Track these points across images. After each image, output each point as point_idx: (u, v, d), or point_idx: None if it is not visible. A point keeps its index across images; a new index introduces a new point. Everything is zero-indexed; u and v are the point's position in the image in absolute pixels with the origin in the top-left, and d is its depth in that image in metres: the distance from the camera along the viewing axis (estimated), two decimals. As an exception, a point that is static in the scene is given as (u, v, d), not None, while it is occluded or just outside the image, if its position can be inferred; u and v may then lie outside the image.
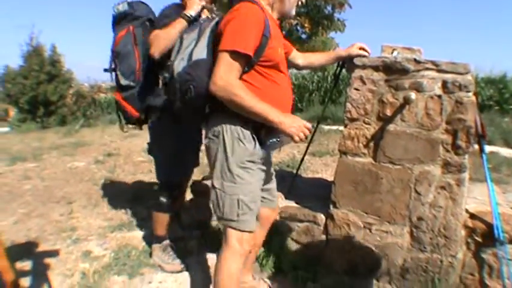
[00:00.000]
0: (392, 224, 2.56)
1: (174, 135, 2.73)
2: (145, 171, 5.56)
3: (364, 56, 2.47)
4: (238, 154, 1.89)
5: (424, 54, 2.53)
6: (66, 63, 13.72)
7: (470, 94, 2.37)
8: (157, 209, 2.91)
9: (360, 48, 2.48)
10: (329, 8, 10.56)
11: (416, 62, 2.40)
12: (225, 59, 1.76)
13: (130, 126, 2.83)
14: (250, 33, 1.78)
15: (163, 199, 2.86)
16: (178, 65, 1.87)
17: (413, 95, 2.35)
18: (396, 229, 2.56)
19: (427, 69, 2.40)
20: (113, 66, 2.65)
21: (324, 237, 2.79)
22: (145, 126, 2.84)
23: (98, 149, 7.41)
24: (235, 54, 1.76)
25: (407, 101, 2.37)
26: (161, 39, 2.42)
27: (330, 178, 2.85)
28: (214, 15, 2.11)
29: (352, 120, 2.56)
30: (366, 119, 2.52)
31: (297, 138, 1.79)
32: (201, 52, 1.86)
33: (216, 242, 2.68)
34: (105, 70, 2.76)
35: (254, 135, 1.92)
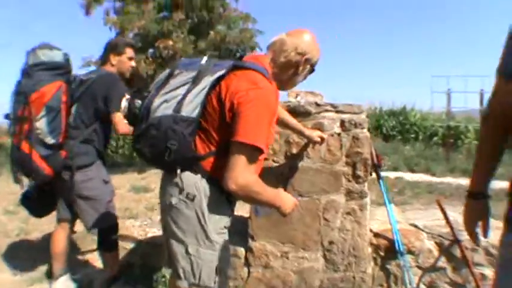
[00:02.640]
0: (307, 250, 2.83)
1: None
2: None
3: (317, 142, 2.65)
4: (217, 221, 1.81)
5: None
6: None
7: (365, 130, 2.76)
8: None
9: (319, 136, 2.62)
10: (240, 51, 11.12)
11: (317, 105, 2.74)
12: (246, 154, 1.62)
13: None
14: (268, 126, 1.71)
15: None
16: (159, 106, 1.71)
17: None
18: (311, 254, 2.83)
19: (327, 110, 2.75)
20: (24, 114, 2.67)
21: (246, 269, 2.98)
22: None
23: (6, 198, 6.97)
24: (256, 150, 1.63)
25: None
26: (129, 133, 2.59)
27: (247, 214, 3.05)
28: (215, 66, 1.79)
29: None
30: (275, 158, 2.80)
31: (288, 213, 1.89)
32: (193, 108, 1.70)
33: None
34: (6, 117, 2.78)
35: (229, 200, 1.87)
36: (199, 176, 1.76)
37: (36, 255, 3.94)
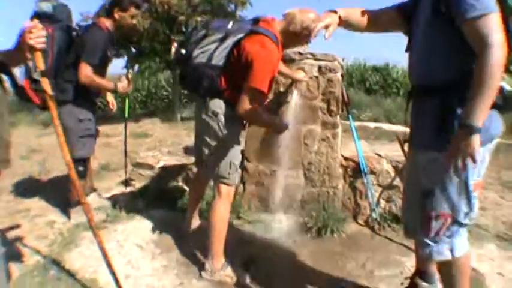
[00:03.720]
0: (291, 169, 3.58)
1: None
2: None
3: (301, 80, 3.38)
4: (230, 129, 2.59)
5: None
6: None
7: (338, 75, 3.44)
8: None
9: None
10: (232, 6, 11.53)
11: (300, 53, 3.41)
12: (252, 94, 2.38)
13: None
14: (270, 76, 2.43)
15: None
16: (197, 55, 2.49)
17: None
18: (294, 173, 3.58)
19: (308, 58, 3.44)
20: None
21: (241, 185, 3.73)
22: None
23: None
24: (260, 92, 2.39)
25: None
26: (93, 83, 3.34)
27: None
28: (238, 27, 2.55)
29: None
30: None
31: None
32: (219, 59, 2.47)
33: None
34: None
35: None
36: (221, 100, 2.55)
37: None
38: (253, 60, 2.36)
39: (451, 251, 1.89)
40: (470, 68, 1.60)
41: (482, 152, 1.72)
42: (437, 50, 1.79)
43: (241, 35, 2.48)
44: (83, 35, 3.40)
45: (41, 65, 2.02)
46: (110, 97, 4.12)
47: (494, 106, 1.64)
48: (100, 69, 3.44)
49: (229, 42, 2.48)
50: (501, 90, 1.65)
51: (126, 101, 4.84)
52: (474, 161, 1.62)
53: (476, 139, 1.58)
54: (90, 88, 3.48)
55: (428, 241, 1.91)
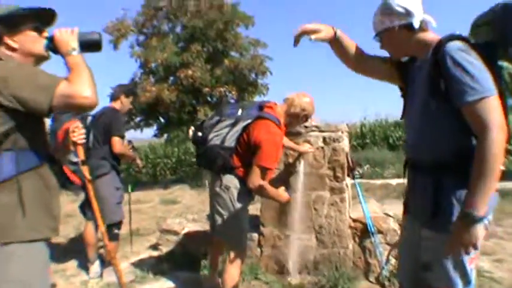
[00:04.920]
0: (303, 233, 3.88)
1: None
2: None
3: (307, 152, 3.78)
4: (241, 202, 2.97)
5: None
6: None
7: (341, 144, 3.80)
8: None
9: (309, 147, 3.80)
10: (253, 75, 12.29)
11: (306, 127, 3.81)
12: (260, 170, 2.81)
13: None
14: (276, 154, 2.88)
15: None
16: (212, 138, 2.94)
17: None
18: (306, 236, 3.87)
19: (313, 130, 3.83)
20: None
21: (259, 249, 4.04)
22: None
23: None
24: (266, 169, 2.83)
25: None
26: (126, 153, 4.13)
27: (258, 212, 4.11)
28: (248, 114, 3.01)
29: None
30: (277, 166, 3.86)
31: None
32: (231, 141, 2.91)
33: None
34: None
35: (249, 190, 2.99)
36: (233, 176, 2.95)
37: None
38: (261, 142, 2.80)
39: None
40: (468, 149, 1.62)
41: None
42: (431, 127, 1.79)
43: (249, 120, 2.94)
44: (100, 117, 4.05)
45: (82, 156, 2.53)
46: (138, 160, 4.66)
47: None
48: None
49: (239, 127, 2.94)
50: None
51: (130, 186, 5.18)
52: (476, 248, 1.63)
53: (478, 229, 1.59)
54: (121, 160, 4.13)
55: None
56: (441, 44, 1.70)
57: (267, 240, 4.01)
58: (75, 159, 3.55)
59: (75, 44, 1.74)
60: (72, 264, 4.71)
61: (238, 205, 2.97)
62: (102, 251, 4.42)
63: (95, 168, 3.81)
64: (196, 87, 11.32)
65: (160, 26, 12.66)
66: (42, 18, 1.83)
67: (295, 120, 3.16)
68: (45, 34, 1.81)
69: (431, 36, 1.84)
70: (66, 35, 1.77)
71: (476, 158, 1.56)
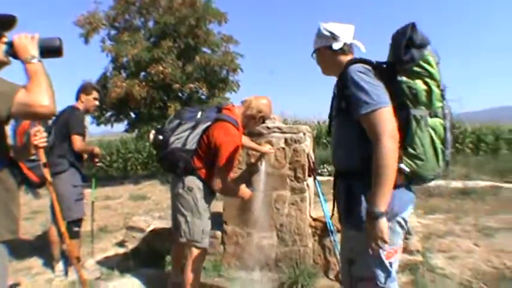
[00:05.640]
0: (265, 231, 4.00)
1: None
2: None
3: (268, 153, 3.89)
4: (204, 202, 3.12)
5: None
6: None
7: (303, 145, 3.92)
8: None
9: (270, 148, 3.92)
10: (224, 72, 12.33)
11: (268, 128, 3.93)
12: (223, 171, 3.01)
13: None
14: (234, 155, 3.03)
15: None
16: (174, 141, 3.03)
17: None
18: (267, 234, 4.00)
19: (275, 131, 3.95)
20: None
21: (222, 246, 4.16)
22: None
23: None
24: (227, 169, 3.03)
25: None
26: (86, 149, 4.15)
27: (221, 210, 4.23)
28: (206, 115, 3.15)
29: (233, 167, 4.00)
30: (240, 166, 3.98)
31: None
32: (192, 144, 3.04)
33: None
34: None
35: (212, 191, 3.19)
36: (195, 177, 3.07)
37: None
38: (220, 145, 2.96)
39: None
40: (370, 155, 1.82)
41: (389, 226, 1.87)
42: (341, 140, 2.13)
43: (209, 122, 3.06)
44: (60, 116, 4.09)
45: (43, 159, 2.59)
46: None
47: (400, 186, 1.92)
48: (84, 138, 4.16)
49: (199, 129, 3.07)
50: (400, 171, 1.88)
51: (93, 182, 5.07)
52: (385, 242, 1.82)
53: (382, 223, 1.79)
54: (80, 157, 4.19)
55: None
56: (345, 66, 2.00)
57: (229, 238, 4.12)
58: (32, 157, 3.57)
59: (34, 52, 1.78)
60: (38, 262, 4.74)
61: (201, 205, 3.10)
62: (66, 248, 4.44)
63: (53, 165, 3.80)
64: (167, 83, 11.31)
65: (132, 21, 12.59)
66: (2, 23, 1.84)
67: (252, 122, 3.30)
68: (5, 39, 1.83)
69: (348, 59, 2.11)
70: (26, 41, 1.79)
71: (373, 163, 1.79)
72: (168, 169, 3.19)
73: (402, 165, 1.90)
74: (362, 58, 2.06)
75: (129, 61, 11.71)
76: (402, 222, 2.03)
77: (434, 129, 1.92)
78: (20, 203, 1.94)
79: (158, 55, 11.08)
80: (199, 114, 3.14)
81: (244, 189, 3.39)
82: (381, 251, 1.91)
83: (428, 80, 1.90)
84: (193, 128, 3.07)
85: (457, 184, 7.75)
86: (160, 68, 10.96)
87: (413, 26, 1.89)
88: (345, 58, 2.12)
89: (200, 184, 3.08)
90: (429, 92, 1.90)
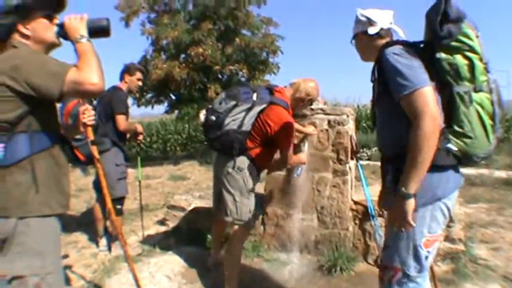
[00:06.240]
0: (305, 213, 3.98)
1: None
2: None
3: (312, 134, 3.89)
4: (252, 183, 3.11)
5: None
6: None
7: (346, 127, 3.87)
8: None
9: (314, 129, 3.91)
10: (264, 54, 12.28)
11: (311, 109, 3.88)
12: (285, 154, 3.14)
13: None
14: (291, 136, 3.13)
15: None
16: (229, 123, 3.00)
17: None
18: (308, 216, 3.98)
19: (318, 113, 3.90)
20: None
21: (262, 227, 4.18)
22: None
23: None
24: (288, 150, 3.13)
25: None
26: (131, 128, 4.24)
27: (262, 191, 4.23)
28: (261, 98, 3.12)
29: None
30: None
31: None
32: (247, 126, 3.00)
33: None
34: None
35: (259, 173, 3.23)
36: (245, 158, 3.06)
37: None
38: (278, 131, 3.00)
39: None
40: None
41: (424, 211, 1.88)
42: (384, 124, 2.09)
43: (264, 105, 3.05)
44: (104, 96, 4.11)
45: (91, 136, 2.66)
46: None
47: (448, 167, 1.86)
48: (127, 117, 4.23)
49: (255, 112, 3.03)
50: (448, 151, 1.84)
51: (139, 160, 5.09)
52: (410, 224, 1.80)
53: (408, 204, 1.77)
54: (123, 136, 4.25)
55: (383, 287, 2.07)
56: (381, 49, 1.96)
57: (270, 219, 4.13)
58: (78, 136, 3.67)
59: (84, 31, 1.81)
60: (84, 237, 4.91)
61: (250, 185, 3.10)
62: (109, 225, 4.57)
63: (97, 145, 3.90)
64: (206, 65, 11.32)
65: (171, 4, 12.59)
66: (53, 6, 1.89)
67: (301, 104, 3.29)
68: (56, 21, 1.88)
69: (385, 42, 2.06)
70: (76, 21, 1.83)
71: (410, 143, 1.75)
72: (221, 150, 3.15)
73: (449, 145, 1.84)
74: (398, 40, 2.03)
75: (169, 43, 11.78)
76: (445, 209, 1.94)
77: (481, 105, 1.83)
78: (69, 180, 1.99)
79: (198, 37, 11.07)
80: (254, 96, 3.11)
81: (300, 156, 3.62)
82: (417, 239, 1.89)
83: (469, 53, 1.83)
84: (249, 109, 3.04)
85: (501, 174, 7.44)
86: (200, 50, 10.96)
87: (446, 0, 1.81)
88: (382, 42, 2.07)
89: (250, 165, 3.08)
90: (471, 66, 1.82)
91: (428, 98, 1.73)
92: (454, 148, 1.84)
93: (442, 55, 1.85)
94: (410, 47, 1.92)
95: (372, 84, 2.18)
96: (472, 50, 1.82)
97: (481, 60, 1.84)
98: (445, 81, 1.85)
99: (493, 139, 1.87)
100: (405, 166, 1.77)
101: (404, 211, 1.79)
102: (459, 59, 1.82)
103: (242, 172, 3.05)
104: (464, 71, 1.82)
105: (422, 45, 1.97)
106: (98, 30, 1.89)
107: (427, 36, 1.95)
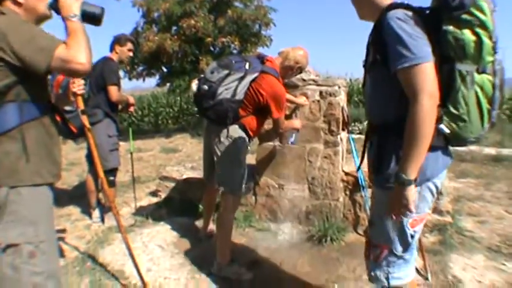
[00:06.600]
0: (297, 183, 4.02)
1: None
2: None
3: (304, 105, 3.89)
4: (244, 151, 3.12)
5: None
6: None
7: (337, 98, 3.86)
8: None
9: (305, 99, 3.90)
10: (257, 26, 12.16)
11: (303, 80, 3.87)
12: (277, 120, 3.16)
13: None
14: (283, 103, 3.13)
15: None
16: (222, 92, 2.96)
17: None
18: (299, 186, 4.01)
19: (310, 84, 3.89)
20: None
21: (253, 197, 4.21)
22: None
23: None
24: (280, 116, 3.15)
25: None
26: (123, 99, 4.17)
27: (254, 162, 4.25)
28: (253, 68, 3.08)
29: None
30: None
31: None
32: (241, 94, 2.97)
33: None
34: None
35: (249, 140, 3.19)
36: (237, 126, 3.05)
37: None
38: (270, 99, 3.02)
39: (387, 279, 1.93)
40: (405, 112, 1.64)
41: (418, 191, 1.76)
42: (376, 94, 1.92)
43: (256, 74, 3.02)
44: (95, 67, 4.00)
45: (81, 106, 2.65)
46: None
47: (437, 148, 1.75)
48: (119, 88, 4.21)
49: (247, 80, 3.00)
50: (439, 132, 1.71)
51: (130, 132, 5.08)
52: (410, 211, 1.70)
53: (409, 191, 1.66)
54: (115, 107, 4.23)
55: (370, 265, 2.01)
56: (383, 11, 1.74)
57: (261, 189, 4.16)
58: (68, 108, 3.63)
59: (77, 11, 1.78)
60: (76, 209, 4.92)
61: (242, 154, 3.11)
62: (102, 196, 4.59)
63: (88, 116, 3.86)
64: (199, 37, 11.22)
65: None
66: None
67: (290, 72, 3.27)
68: None
69: (387, 2, 1.83)
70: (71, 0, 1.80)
71: (407, 123, 1.61)
72: (214, 119, 3.10)
73: (442, 126, 1.71)
74: (403, 3, 1.77)
75: (160, 15, 11.64)
76: (433, 188, 1.86)
77: (481, 87, 1.68)
78: (61, 149, 1.99)
79: (190, 9, 10.94)
80: (247, 65, 3.07)
81: (294, 122, 3.67)
82: (404, 218, 1.80)
83: (478, 29, 1.62)
84: (242, 78, 3.00)
85: (490, 151, 7.52)
86: (192, 21, 10.84)
87: None
88: (382, 1, 1.84)
89: (242, 133, 3.08)
90: (479, 43, 1.63)
91: (428, 75, 1.59)
92: (446, 130, 1.72)
93: (450, 28, 1.65)
94: (415, 13, 1.71)
95: (366, 49, 2.00)
96: (483, 25, 1.63)
97: (490, 38, 1.65)
98: (446, 57, 1.67)
99: (487, 124, 1.75)
100: (404, 148, 1.64)
101: (405, 199, 1.68)
102: (467, 34, 1.63)
103: (234, 141, 3.05)
104: (471, 48, 1.64)
105: (428, 12, 1.75)
106: (90, 16, 1.87)
107: (435, 3, 1.74)
